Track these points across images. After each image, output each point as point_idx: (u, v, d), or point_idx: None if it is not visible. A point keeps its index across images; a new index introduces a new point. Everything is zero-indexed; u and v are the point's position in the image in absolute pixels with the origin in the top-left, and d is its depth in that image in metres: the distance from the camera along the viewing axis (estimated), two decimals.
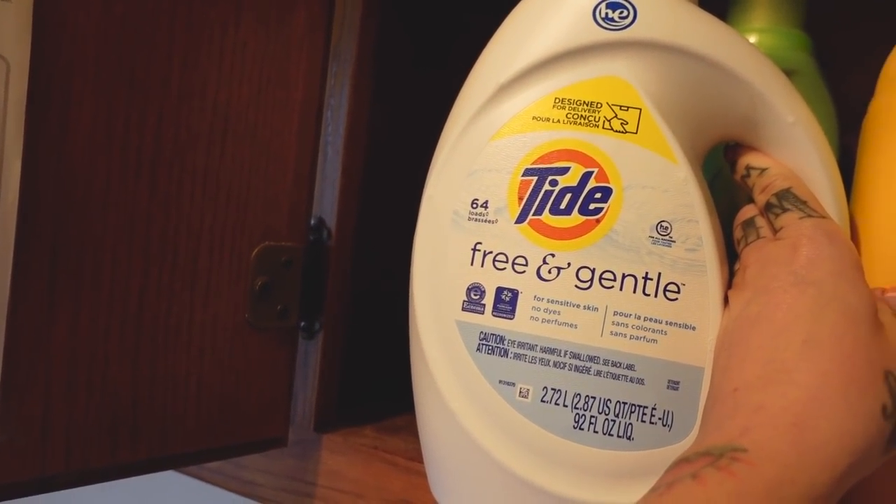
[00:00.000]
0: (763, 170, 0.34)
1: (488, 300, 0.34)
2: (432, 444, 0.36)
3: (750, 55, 0.34)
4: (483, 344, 0.34)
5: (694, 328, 0.32)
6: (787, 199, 0.33)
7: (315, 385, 0.47)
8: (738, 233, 0.35)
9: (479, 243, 0.34)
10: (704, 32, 0.34)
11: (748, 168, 0.35)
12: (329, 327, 0.47)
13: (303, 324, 0.46)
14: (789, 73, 0.43)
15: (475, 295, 0.34)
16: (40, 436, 0.34)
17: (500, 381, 0.33)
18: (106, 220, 0.35)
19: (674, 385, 0.32)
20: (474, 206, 0.35)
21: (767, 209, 0.33)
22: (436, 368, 0.35)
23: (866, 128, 0.39)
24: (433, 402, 0.35)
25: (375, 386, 0.53)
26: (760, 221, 0.34)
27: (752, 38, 0.43)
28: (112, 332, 0.36)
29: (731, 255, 0.35)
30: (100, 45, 0.33)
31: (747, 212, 0.35)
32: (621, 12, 0.33)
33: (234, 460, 0.49)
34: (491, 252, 0.34)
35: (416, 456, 0.43)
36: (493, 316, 0.34)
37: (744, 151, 0.36)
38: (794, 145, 0.34)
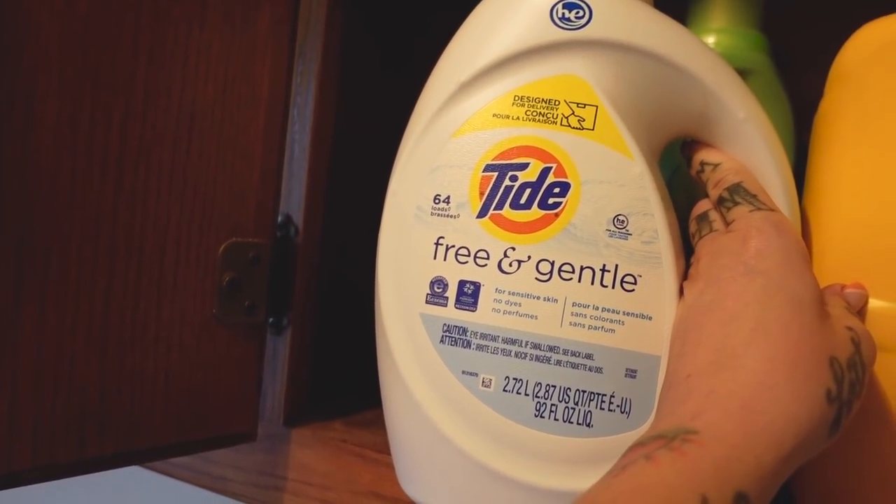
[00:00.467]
0: (716, 165, 0.36)
1: (451, 293, 0.35)
2: (399, 435, 0.37)
3: (703, 54, 0.35)
4: (446, 336, 0.34)
5: (650, 318, 0.33)
6: (738, 193, 0.34)
7: (284, 380, 0.47)
8: (692, 227, 0.36)
9: (442, 238, 0.35)
10: (658, 32, 0.35)
11: (702, 164, 0.36)
12: (297, 323, 0.47)
13: (271, 319, 0.47)
14: (746, 72, 0.44)
15: (438, 288, 0.35)
16: (7, 431, 0.34)
17: (464, 372, 0.34)
18: (72, 217, 0.35)
19: (631, 373, 0.33)
20: (437, 201, 0.35)
21: (720, 203, 0.34)
22: (401, 360, 0.36)
23: (817, 125, 0.40)
24: (399, 393, 0.36)
25: (344, 381, 0.54)
26: (713, 215, 0.35)
27: (710, 39, 0.44)
28: (79, 328, 0.36)
29: (688, 249, 0.36)
30: (64, 43, 0.34)
31: (701, 206, 0.36)
32: (577, 12, 0.34)
33: (204, 456, 0.49)
34: (453, 246, 0.35)
35: (384, 448, 0.43)
36: (456, 308, 0.34)
37: (698, 148, 0.37)
38: (746, 141, 0.35)
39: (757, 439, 0.26)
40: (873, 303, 0.37)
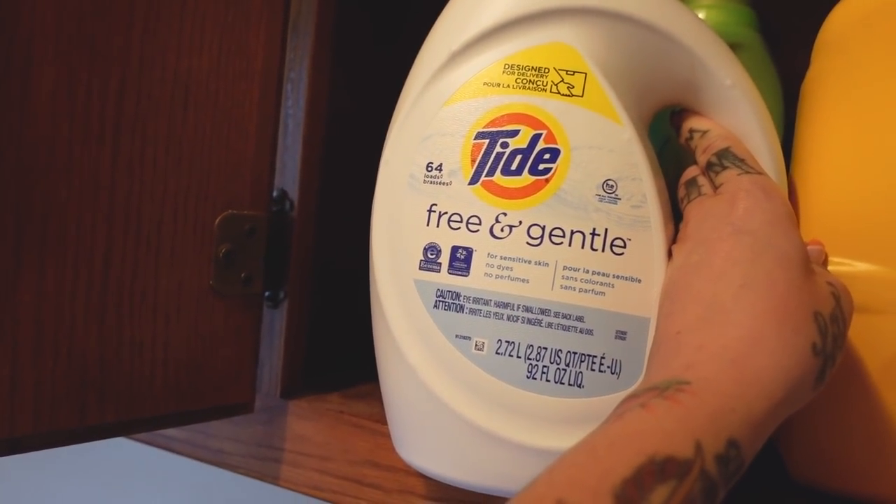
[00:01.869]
0: (704, 132, 0.36)
1: (444, 259, 0.35)
2: (394, 401, 0.38)
3: (690, 22, 0.36)
4: (440, 301, 0.35)
5: (640, 281, 0.34)
6: (726, 158, 0.34)
7: (280, 352, 0.48)
8: (681, 192, 0.37)
9: (435, 205, 0.36)
10: (647, 0, 0.35)
11: (691, 131, 0.37)
12: (293, 296, 0.48)
13: (268, 293, 0.47)
14: (735, 46, 0.45)
15: (432, 254, 0.35)
16: (8, 396, 0.34)
17: (457, 336, 0.35)
18: (70, 185, 0.35)
19: (621, 335, 0.34)
20: (429, 169, 0.36)
21: (708, 168, 0.35)
22: (395, 326, 0.36)
23: (804, 93, 0.41)
24: (394, 359, 0.37)
25: (340, 356, 0.54)
26: (702, 180, 0.36)
27: (700, 14, 0.45)
28: (78, 295, 0.36)
29: (677, 216, 0.37)
30: (59, 12, 0.34)
31: (690, 172, 0.37)
32: None
33: (202, 430, 0.49)
34: (446, 213, 0.35)
35: (381, 419, 0.44)
36: (449, 274, 0.35)
37: (687, 116, 0.38)
38: (733, 107, 0.36)
39: (748, 390, 0.27)
40: (859, 266, 0.38)
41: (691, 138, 0.37)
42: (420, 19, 0.42)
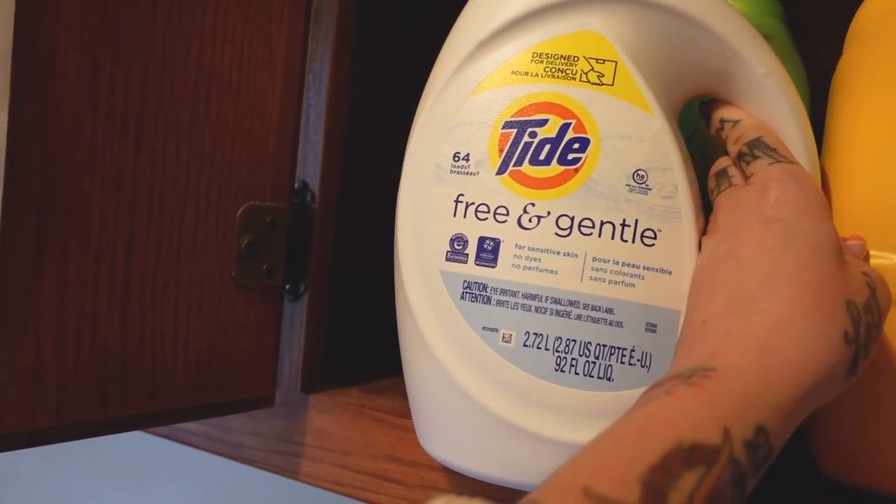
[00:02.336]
0: (736, 122, 0.36)
1: (471, 250, 0.35)
2: (420, 393, 0.37)
3: (721, 9, 0.35)
4: (467, 292, 0.35)
5: (670, 273, 0.33)
6: (758, 148, 0.34)
7: (301, 346, 0.48)
8: (711, 183, 0.36)
9: (462, 195, 0.35)
10: None
11: (722, 121, 0.36)
12: (314, 289, 0.48)
13: (288, 286, 0.47)
14: None
15: (458, 245, 0.35)
16: (31, 388, 0.34)
17: (484, 328, 0.34)
18: (92, 175, 0.35)
19: (651, 328, 0.33)
20: (456, 159, 0.35)
21: (740, 158, 0.34)
22: (421, 318, 0.36)
23: (835, 83, 0.40)
24: (419, 351, 0.36)
25: (361, 351, 0.54)
26: (733, 171, 0.35)
27: None
28: (100, 286, 0.36)
29: (707, 207, 0.36)
30: (83, 2, 0.33)
31: (721, 163, 0.36)
32: None
33: (220, 424, 0.49)
34: (473, 203, 0.35)
35: (402, 413, 0.43)
36: (476, 265, 0.34)
37: (717, 106, 0.37)
38: (766, 97, 0.35)
39: (776, 376, 0.27)
40: (893, 258, 0.37)
41: (722, 128, 0.36)
42: (441, 10, 0.41)
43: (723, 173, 0.35)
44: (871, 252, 0.37)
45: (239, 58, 0.40)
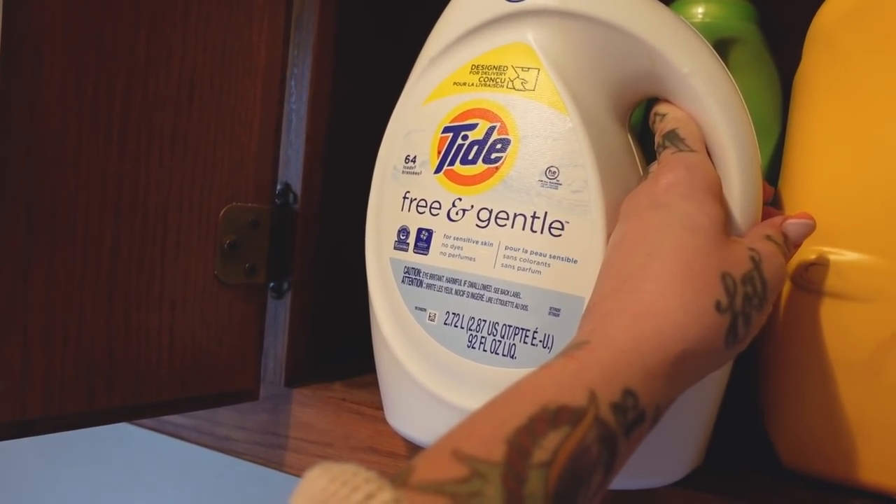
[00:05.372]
0: (663, 115, 0.37)
1: (412, 239, 0.39)
2: (379, 370, 0.42)
3: (646, 12, 0.37)
4: (406, 276, 0.39)
5: (576, 261, 0.36)
6: (669, 138, 0.35)
7: (285, 342, 0.50)
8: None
9: (408, 192, 0.40)
10: None
11: (654, 115, 0.38)
12: (297, 287, 0.50)
13: (272, 284, 0.49)
14: (734, 40, 0.45)
15: (403, 236, 0.40)
16: (20, 380, 0.36)
17: (416, 308, 0.39)
18: (78, 177, 0.37)
19: (555, 312, 0.36)
20: (407, 161, 0.40)
21: (658, 149, 0.36)
22: (374, 300, 0.41)
23: (795, 87, 0.40)
24: (375, 331, 0.41)
25: (343, 347, 0.56)
26: (653, 166, 0.37)
27: (699, 9, 0.45)
28: (87, 283, 0.38)
29: None
30: (68, 10, 0.36)
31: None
32: None
33: (209, 418, 0.51)
34: (416, 199, 0.39)
35: (381, 406, 0.45)
36: (414, 253, 0.39)
37: (656, 102, 0.39)
38: (692, 94, 0.37)
39: (643, 344, 0.29)
40: (847, 255, 0.36)
41: (654, 122, 0.38)
42: (426, 13, 0.44)
43: (647, 170, 0.37)
44: (825, 248, 0.37)
45: (220, 64, 0.41)
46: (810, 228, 0.36)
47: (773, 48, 0.46)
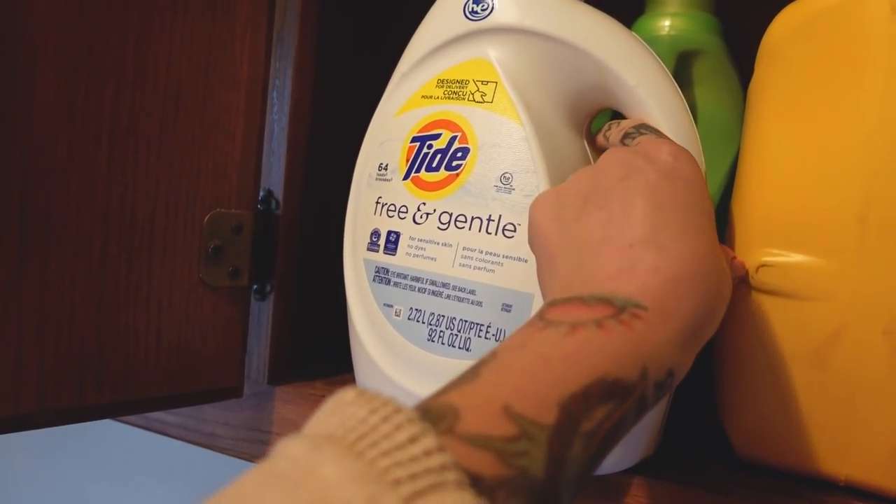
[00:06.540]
0: (618, 122, 0.39)
1: (382, 241, 0.42)
2: (355, 364, 0.45)
3: (595, 29, 0.39)
4: (377, 275, 0.42)
5: (526, 261, 0.38)
6: (645, 128, 0.36)
7: (268, 342, 0.51)
8: None
9: (380, 197, 0.43)
10: (551, 14, 0.40)
11: (609, 125, 0.40)
12: (279, 289, 0.51)
13: (255, 286, 0.51)
14: (698, 52, 0.47)
15: (375, 238, 0.43)
16: (14, 375, 0.38)
17: (384, 304, 0.42)
18: (69, 184, 0.38)
19: (507, 307, 0.38)
20: (380, 169, 0.43)
21: (625, 137, 0.37)
22: (350, 298, 0.44)
23: (748, 99, 0.42)
24: (351, 327, 0.44)
25: (324, 348, 0.56)
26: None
27: (666, 22, 0.47)
28: (77, 285, 0.40)
29: None
30: (60, 27, 0.38)
31: None
32: (483, 5, 0.41)
33: (195, 414, 0.53)
34: (386, 203, 0.42)
35: None
36: (384, 254, 0.42)
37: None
38: (640, 105, 0.39)
39: (690, 320, 0.29)
40: (794, 257, 0.38)
41: (609, 129, 0.39)
42: (407, 24, 0.46)
43: None
44: (774, 251, 0.39)
45: (204, 77, 0.43)
46: (743, 271, 0.39)
47: (735, 60, 0.48)
